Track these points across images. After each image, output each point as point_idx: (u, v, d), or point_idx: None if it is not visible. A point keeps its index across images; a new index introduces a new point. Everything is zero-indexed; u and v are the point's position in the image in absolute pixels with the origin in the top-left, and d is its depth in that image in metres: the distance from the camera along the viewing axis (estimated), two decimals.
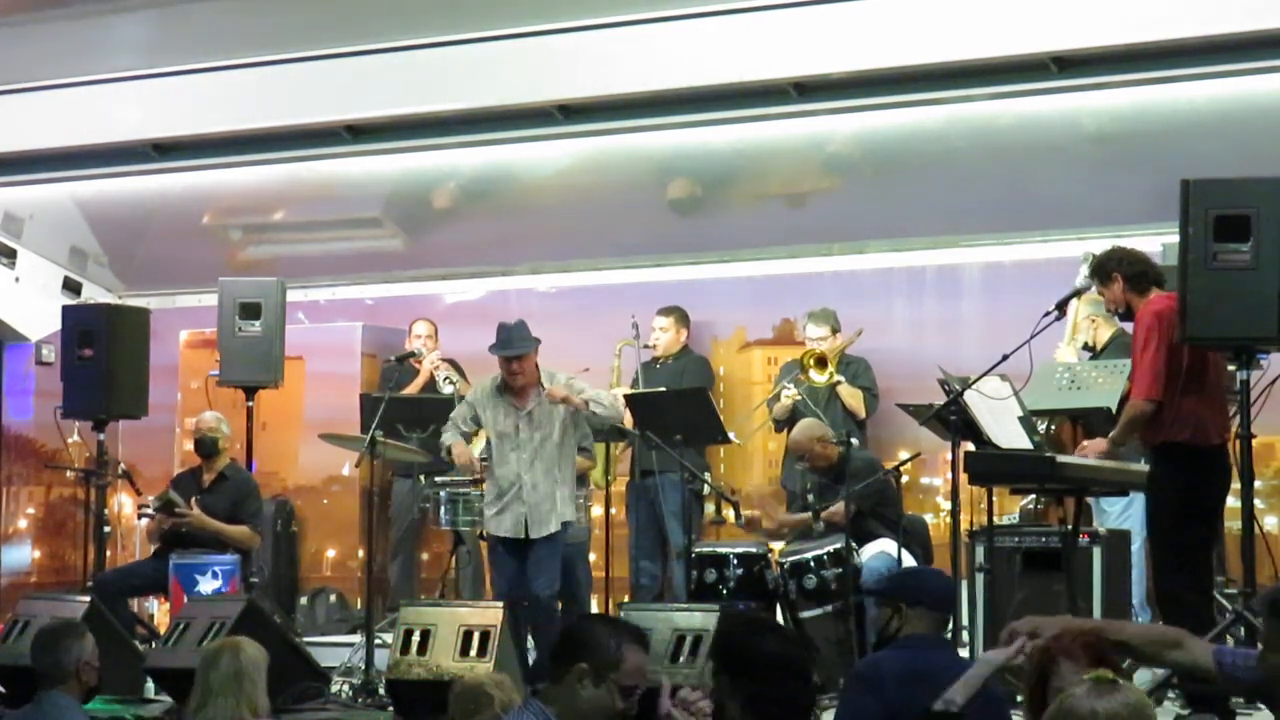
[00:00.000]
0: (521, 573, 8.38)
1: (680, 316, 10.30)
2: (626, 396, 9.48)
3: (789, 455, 9.53)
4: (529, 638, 8.40)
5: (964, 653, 7.49)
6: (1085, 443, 7.33)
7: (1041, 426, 8.17)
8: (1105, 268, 7.10)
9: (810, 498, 8.90)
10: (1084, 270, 7.55)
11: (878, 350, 9.98)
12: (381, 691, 7.82)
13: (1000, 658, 4.18)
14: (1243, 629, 6.80)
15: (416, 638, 7.39)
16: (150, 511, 9.52)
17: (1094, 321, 8.73)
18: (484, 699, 5.10)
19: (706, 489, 9.42)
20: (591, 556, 9.81)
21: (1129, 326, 7.32)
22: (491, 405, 8.47)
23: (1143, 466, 7.17)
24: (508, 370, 8.38)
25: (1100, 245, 7.64)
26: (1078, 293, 7.78)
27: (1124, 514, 8.38)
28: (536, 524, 8.37)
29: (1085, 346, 8.79)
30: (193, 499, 9.33)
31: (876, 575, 8.09)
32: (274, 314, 9.66)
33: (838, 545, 8.35)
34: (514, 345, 8.35)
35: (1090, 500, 8.28)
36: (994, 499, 7.63)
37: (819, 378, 9.52)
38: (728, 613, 7.23)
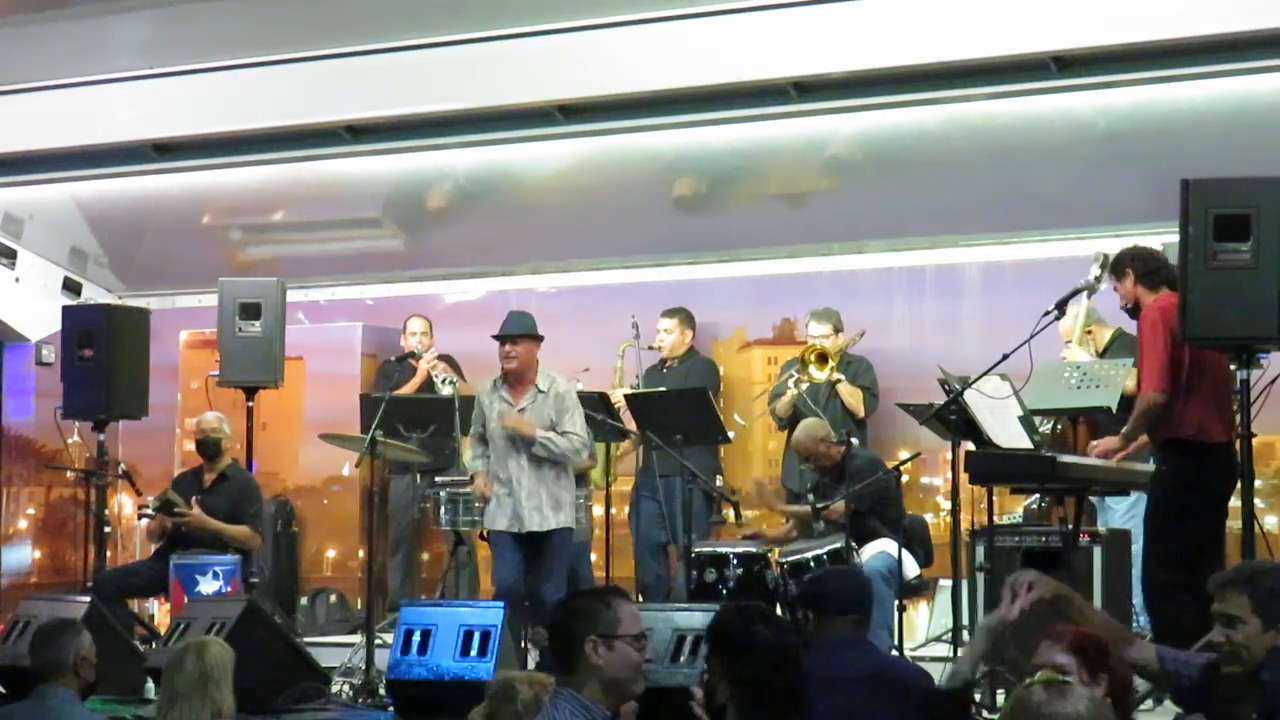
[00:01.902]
0: (523, 568, 8.39)
1: (685, 317, 10.28)
2: (627, 397, 9.49)
3: (790, 455, 9.52)
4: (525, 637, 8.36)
5: (962, 652, 7.51)
6: (1095, 442, 7.32)
7: (1045, 426, 8.17)
8: (1120, 264, 7.16)
9: (810, 497, 8.90)
10: (1094, 269, 7.56)
11: (878, 350, 9.98)
12: (382, 691, 7.82)
13: (994, 620, 4.32)
14: None
15: (416, 638, 7.39)
16: (150, 512, 9.52)
17: (1091, 333, 8.75)
18: (516, 696, 5.06)
19: (709, 490, 9.42)
20: (593, 557, 9.81)
21: (1133, 328, 7.34)
22: (490, 402, 8.53)
23: (1147, 466, 7.17)
24: (501, 353, 8.46)
25: (1102, 244, 7.65)
26: (1079, 291, 7.78)
27: (1129, 513, 8.38)
28: (528, 518, 8.38)
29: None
30: (193, 499, 9.34)
31: (877, 573, 8.09)
32: (274, 314, 9.65)
33: (838, 545, 8.36)
34: (507, 328, 8.49)
35: (1095, 500, 8.28)
36: (995, 498, 7.63)
37: (819, 374, 9.50)
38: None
